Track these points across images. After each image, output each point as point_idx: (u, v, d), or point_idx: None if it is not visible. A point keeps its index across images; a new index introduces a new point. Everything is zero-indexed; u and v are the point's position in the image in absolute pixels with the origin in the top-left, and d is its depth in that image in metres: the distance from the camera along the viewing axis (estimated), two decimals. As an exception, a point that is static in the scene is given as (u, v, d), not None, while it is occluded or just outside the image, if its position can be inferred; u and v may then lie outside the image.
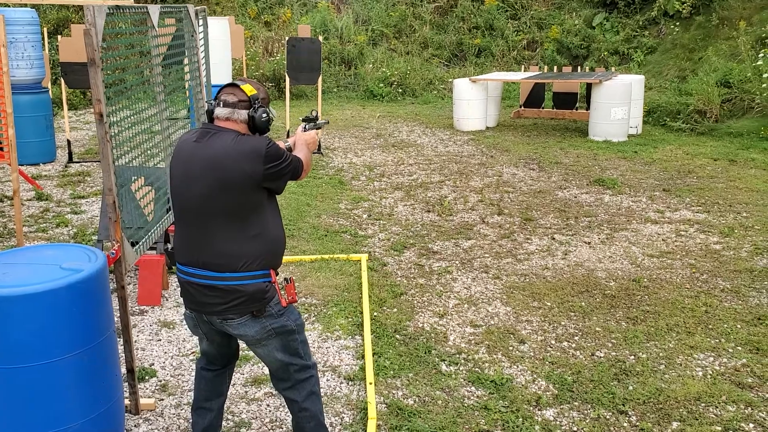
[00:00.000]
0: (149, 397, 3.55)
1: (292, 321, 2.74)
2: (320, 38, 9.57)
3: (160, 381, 3.75)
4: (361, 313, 4.58)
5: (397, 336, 4.29)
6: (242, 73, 12.71)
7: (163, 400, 3.57)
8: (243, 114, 2.65)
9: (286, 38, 9.30)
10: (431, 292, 4.99)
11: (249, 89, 2.67)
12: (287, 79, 9.45)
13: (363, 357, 4.02)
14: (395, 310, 4.68)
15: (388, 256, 5.73)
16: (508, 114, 12.78)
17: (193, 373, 3.78)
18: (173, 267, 5.21)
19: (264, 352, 2.78)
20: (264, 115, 2.67)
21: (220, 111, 2.67)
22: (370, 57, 16.33)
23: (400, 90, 15.38)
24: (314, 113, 3.21)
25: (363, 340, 4.21)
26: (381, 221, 6.66)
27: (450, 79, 15.98)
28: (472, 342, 4.23)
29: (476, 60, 16.66)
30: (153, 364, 3.93)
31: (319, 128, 3.23)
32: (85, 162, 8.93)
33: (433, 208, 7.05)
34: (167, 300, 4.79)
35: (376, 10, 17.56)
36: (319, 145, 3.21)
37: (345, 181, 8.21)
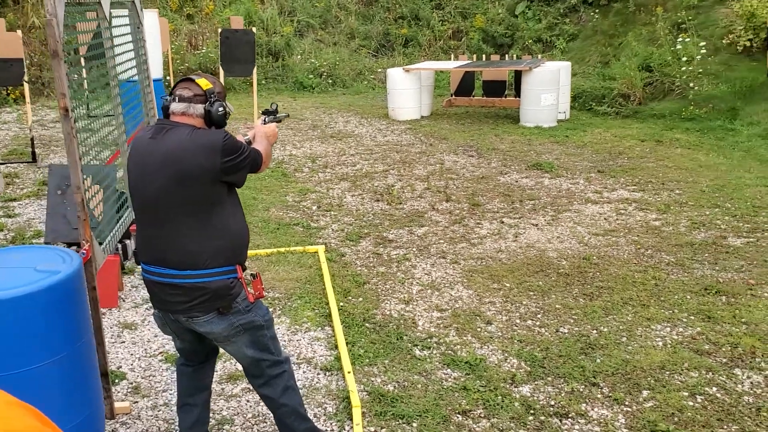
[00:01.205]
0: (122, 401, 3.43)
1: (260, 317, 2.71)
2: (253, 29, 9.42)
3: (131, 383, 3.64)
4: (327, 304, 4.57)
5: (367, 324, 4.31)
6: (168, 68, 12.35)
7: (137, 402, 3.46)
8: (199, 108, 2.60)
9: (220, 30, 9.11)
10: (393, 279, 5.02)
11: (205, 83, 2.62)
12: (221, 71, 9.26)
13: (336, 347, 4.01)
14: (361, 299, 4.68)
15: (345, 246, 5.72)
16: (440, 103, 12.94)
17: (165, 374, 3.70)
18: (125, 267, 5.05)
19: (233, 349, 2.74)
20: (220, 108, 2.62)
21: (175, 106, 2.61)
22: (298, 48, 16.17)
23: (331, 81, 15.31)
24: (274, 106, 3.18)
25: (333, 330, 4.20)
26: (332, 212, 6.64)
27: (379, 69, 16.03)
28: (441, 326, 4.29)
29: (404, 50, 16.75)
30: (121, 367, 3.80)
31: (279, 121, 3.19)
32: (11, 164, 8.48)
33: (381, 197, 7.07)
34: (124, 301, 4.63)
35: (300, 1, 17.39)
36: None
37: (288, 173, 8.13)
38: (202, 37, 14.94)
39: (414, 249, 5.61)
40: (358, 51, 16.81)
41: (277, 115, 3.16)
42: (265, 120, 3.08)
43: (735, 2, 11.88)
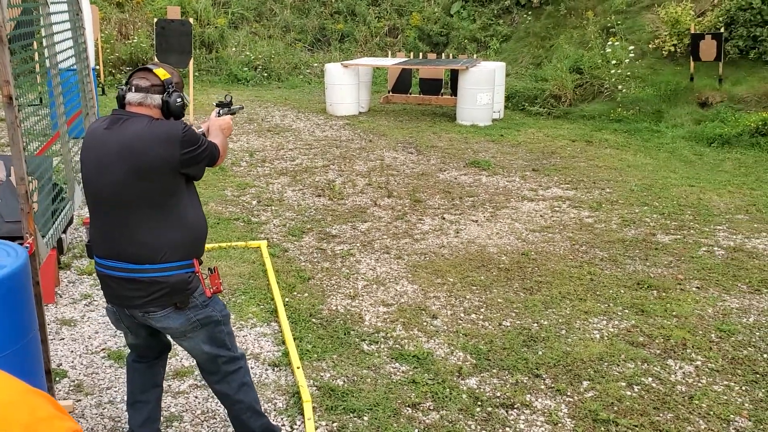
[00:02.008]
0: (65, 399, 3.33)
1: (217, 312, 2.69)
2: (190, 20, 9.22)
3: (73, 381, 3.53)
4: (272, 299, 4.54)
5: (314, 320, 4.31)
6: (97, 57, 11.93)
7: (80, 401, 3.36)
8: (156, 99, 2.55)
9: (155, 20, 8.87)
10: (338, 275, 5.03)
11: (162, 73, 2.57)
12: (152, 63, 9.02)
13: (283, 343, 4.00)
14: (306, 294, 4.68)
15: (287, 241, 5.70)
16: (377, 99, 12.99)
17: (108, 371, 3.61)
18: (60, 262, 4.88)
19: (190, 344, 2.71)
20: (178, 99, 2.58)
21: (132, 96, 2.55)
22: (232, 40, 15.92)
23: (266, 74, 15.15)
24: (228, 97, 3.14)
25: (280, 326, 4.19)
26: (272, 207, 6.59)
27: (315, 64, 15.96)
28: (388, 320, 4.34)
29: (340, 45, 16.73)
30: (61, 365, 3.68)
31: (233, 113, 3.15)
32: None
33: (323, 192, 7.07)
34: (61, 297, 4.47)
35: (235, -7, 17.11)
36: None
37: (226, 167, 8.01)
38: (133, 26, 14.50)
39: (358, 244, 5.63)
40: (293, 45, 16.68)
41: (232, 107, 3.12)
42: (219, 112, 3.03)
43: (661, 9, 12.40)
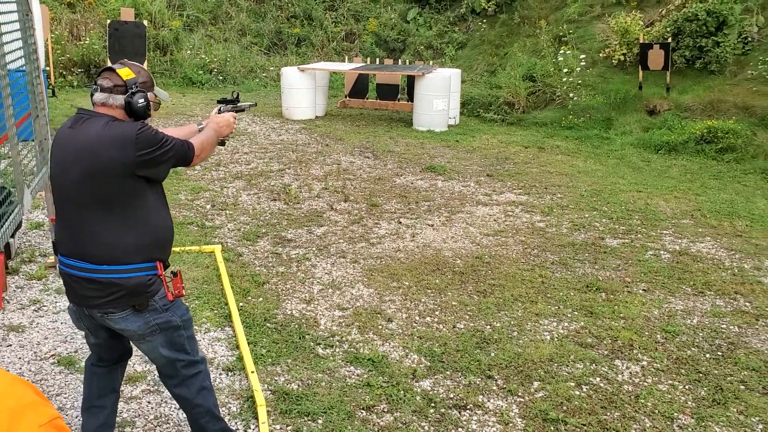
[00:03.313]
0: (12, 408, 3.25)
1: (177, 317, 2.68)
2: (145, 23, 9.09)
3: (21, 389, 3.45)
4: (226, 304, 4.52)
5: (268, 324, 4.30)
6: (48, 58, 11.67)
7: (28, 409, 3.29)
8: (119, 99, 2.54)
9: (108, 21, 8.72)
10: (293, 279, 5.03)
11: (126, 73, 2.56)
12: (109, 64, 8.88)
13: (238, 347, 3.98)
14: (261, 299, 4.67)
15: (242, 246, 5.67)
16: (334, 104, 13.00)
17: (58, 377, 3.55)
18: (8, 267, 4.77)
19: (148, 348, 2.69)
20: (141, 100, 2.56)
21: (96, 96, 2.56)
22: (187, 43, 15.74)
23: (221, 77, 15.02)
24: (235, 94, 3.10)
25: (234, 330, 4.17)
26: (227, 211, 6.55)
27: (271, 68, 15.89)
28: (343, 324, 4.36)
29: (297, 49, 16.69)
30: (9, 371, 3.59)
31: (240, 110, 3.11)
32: None
33: (278, 196, 7.05)
34: (8, 303, 4.37)
35: (190, -5, 16.92)
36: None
37: (179, 170, 7.91)
38: (85, 27, 14.21)
39: (314, 248, 5.64)
40: (249, 48, 16.58)
41: (238, 104, 3.08)
42: (220, 109, 3.00)
43: (611, 19, 12.72)
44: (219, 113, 3.00)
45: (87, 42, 13.60)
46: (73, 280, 2.54)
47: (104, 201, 2.45)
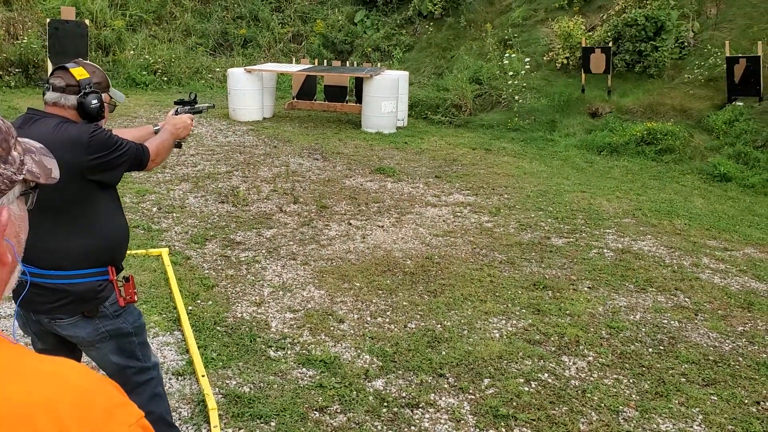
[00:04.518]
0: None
1: (128, 323, 2.61)
2: (87, 22, 8.87)
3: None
4: (175, 308, 4.45)
5: (218, 328, 4.25)
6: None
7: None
8: (71, 99, 2.46)
9: (48, 20, 8.48)
10: (243, 282, 4.98)
11: (79, 73, 2.48)
12: (49, 64, 8.63)
13: (187, 351, 3.93)
14: (210, 302, 4.61)
15: (190, 249, 5.59)
16: (282, 105, 12.92)
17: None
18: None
19: (98, 355, 2.63)
20: (95, 101, 2.49)
21: (48, 96, 2.48)
22: (130, 43, 15.40)
23: (166, 78, 14.75)
24: (192, 95, 3.03)
25: (183, 334, 4.11)
26: (174, 214, 6.44)
27: (217, 69, 15.68)
28: (294, 326, 4.34)
29: (243, 50, 16.52)
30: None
31: (197, 112, 3.04)
32: None
33: (226, 198, 6.97)
34: (-56, 311, 4.21)
35: (133, -6, 16.57)
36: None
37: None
38: (23, 26, 13.76)
39: (263, 251, 5.60)
40: (194, 49, 16.32)
41: (195, 106, 3.01)
42: (177, 111, 2.93)
43: (554, 23, 13.00)
44: (176, 114, 2.94)
45: (25, 41, 13.17)
46: (21, 284, 2.47)
47: (52, 206, 2.38)
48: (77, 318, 2.47)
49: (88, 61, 2.64)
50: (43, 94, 2.50)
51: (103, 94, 2.54)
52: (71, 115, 2.47)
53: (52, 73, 2.51)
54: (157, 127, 2.88)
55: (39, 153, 1.12)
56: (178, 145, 2.96)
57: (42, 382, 0.86)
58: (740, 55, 10.56)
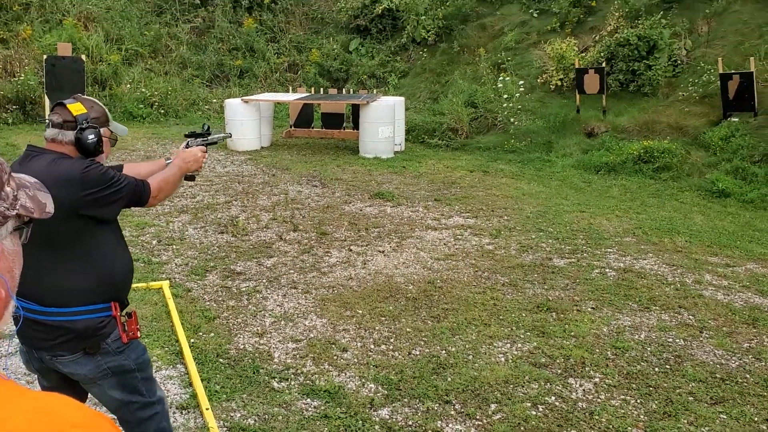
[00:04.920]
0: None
1: (131, 360, 2.57)
2: (83, 57, 8.94)
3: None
4: (177, 341, 4.41)
5: (221, 360, 4.22)
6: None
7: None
8: (69, 135, 2.47)
9: (45, 56, 8.54)
10: (245, 312, 4.95)
11: (76, 108, 2.49)
12: (46, 100, 8.68)
13: (191, 385, 3.89)
14: (212, 334, 4.58)
15: (191, 281, 5.56)
16: (279, 134, 12.98)
17: None
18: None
19: (99, 391, 2.60)
20: (91, 136, 2.49)
21: (47, 132, 2.49)
22: (126, 77, 15.50)
23: (162, 111, 14.83)
24: (206, 127, 3.02)
25: (186, 368, 4.07)
26: (174, 246, 6.42)
27: (214, 100, 15.78)
28: (297, 356, 4.30)
29: (239, 81, 16.64)
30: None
31: (211, 144, 3.02)
32: None
33: (226, 228, 6.96)
34: (-56, 351, 4.17)
35: (128, 29, 16.72)
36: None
37: (123, 207, 7.74)
38: (19, 63, 13.86)
39: (264, 280, 5.58)
40: (191, 81, 16.44)
41: (209, 138, 2.99)
42: (188, 144, 2.92)
43: (547, 45, 13.11)
44: (187, 147, 2.93)
45: (22, 78, 13.26)
46: (23, 321, 2.45)
47: (48, 242, 2.37)
48: (78, 355, 2.45)
49: (87, 97, 2.65)
50: (45, 131, 2.52)
51: (102, 129, 2.54)
52: (69, 151, 2.48)
53: (51, 110, 2.52)
54: (169, 161, 2.87)
55: (33, 188, 1.12)
56: (191, 178, 2.94)
57: (37, 418, 0.85)
58: (733, 71, 10.64)
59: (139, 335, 2.61)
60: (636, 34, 11.98)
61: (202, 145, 2.98)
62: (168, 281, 5.45)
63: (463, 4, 15.84)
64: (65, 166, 2.40)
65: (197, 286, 5.44)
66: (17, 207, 1.01)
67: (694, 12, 12.84)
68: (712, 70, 11.19)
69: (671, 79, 11.87)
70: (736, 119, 10.40)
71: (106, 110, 2.63)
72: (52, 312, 2.39)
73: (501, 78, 12.48)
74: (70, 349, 2.43)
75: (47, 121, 2.50)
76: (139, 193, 2.58)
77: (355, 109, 12.10)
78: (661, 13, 12.62)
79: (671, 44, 12.13)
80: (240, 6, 17.85)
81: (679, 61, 12.04)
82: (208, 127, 3.07)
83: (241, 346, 4.41)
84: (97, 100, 2.64)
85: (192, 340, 4.43)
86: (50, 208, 1.13)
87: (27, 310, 2.41)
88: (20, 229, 1.06)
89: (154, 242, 6.53)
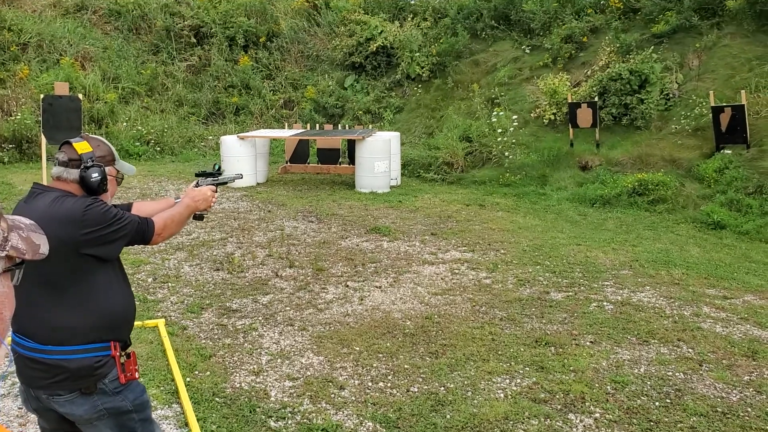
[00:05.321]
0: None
1: (128, 401, 2.54)
2: (80, 96, 9.01)
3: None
4: (173, 380, 4.36)
5: (217, 399, 4.16)
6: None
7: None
8: (74, 173, 2.48)
9: (42, 96, 8.61)
10: (241, 350, 4.91)
11: (82, 147, 2.50)
12: (43, 139, 8.72)
13: (187, 425, 3.83)
14: (208, 373, 4.52)
15: (186, 319, 5.52)
16: (275, 170, 13.02)
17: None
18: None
19: None
20: (95, 174, 2.50)
21: (53, 170, 2.53)
22: (123, 115, 15.62)
23: (159, 148, 14.90)
24: (216, 166, 3.03)
25: (182, 407, 4.02)
26: (169, 284, 6.39)
27: (210, 137, 15.87)
28: (294, 395, 4.25)
29: (235, 118, 16.76)
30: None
31: (222, 184, 3.02)
32: None
33: (222, 266, 6.93)
34: (-65, 393, 4.11)
35: (125, 68, 16.89)
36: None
37: (119, 244, 7.72)
38: (16, 102, 13.95)
39: (260, 318, 5.54)
40: (187, 118, 16.56)
41: (219, 178, 3.00)
42: (197, 183, 2.93)
43: (539, 81, 13.26)
44: (197, 186, 2.93)
45: (19, 117, 13.33)
46: (20, 359, 2.43)
47: (48, 280, 2.36)
48: (75, 395, 2.41)
49: (95, 136, 2.66)
50: (51, 169, 2.55)
51: (107, 168, 2.55)
52: (74, 189, 2.48)
53: (59, 148, 2.54)
54: (178, 199, 2.88)
55: (27, 229, 1.11)
56: (200, 218, 2.95)
57: None
58: (725, 104, 10.76)
59: (137, 376, 2.58)
60: (628, 68, 12.14)
61: (213, 184, 2.99)
62: (163, 319, 5.41)
63: (456, 41, 16.06)
64: (68, 205, 2.40)
65: (193, 324, 5.40)
66: (7, 248, 1.00)
67: (684, 46, 13.04)
68: (704, 103, 11.32)
69: (664, 113, 12.00)
70: (729, 151, 10.48)
71: (113, 149, 2.64)
72: (50, 350, 2.37)
73: (495, 113, 12.59)
74: (67, 389, 2.40)
75: (55, 159, 2.53)
76: (142, 231, 2.58)
77: (351, 145, 12.18)
78: (652, 47, 12.81)
79: (663, 78, 12.29)
80: (236, 44, 18.06)
81: (671, 95, 12.18)
82: (219, 167, 3.08)
83: (238, 385, 4.36)
84: (104, 140, 2.65)
85: (188, 379, 4.38)
86: (44, 249, 1.12)
87: (25, 347, 2.40)
88: (11, 270, 1.04)
89: (150, 280, 6.49)
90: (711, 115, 10.78)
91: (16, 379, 3.66)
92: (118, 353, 2.48)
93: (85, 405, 2.43)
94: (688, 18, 13.15)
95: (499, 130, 12.15)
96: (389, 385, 4.41)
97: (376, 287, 6.35)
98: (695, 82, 12.19)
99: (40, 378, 2.39)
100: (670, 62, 12.56)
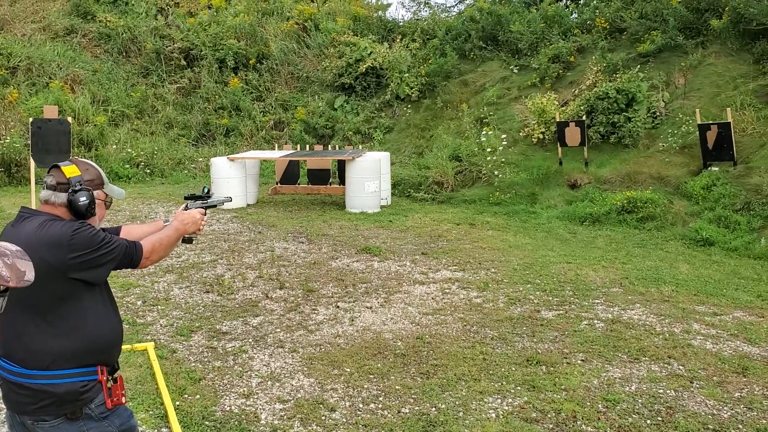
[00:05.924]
0: None
1: (115, 426, 2.51)
2: (69, 119, 9.00)
3: None
4: (162, 404, 4.32)
5: (207, 422, 4.12)
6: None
7: None
8: (62, 197, 2.48)
9: (31, 119, 8.60)
10: (231, 373, 4.87)
11: (71, 171, 2.50)
12: (32, 162, 8.69)
13: (175, 449, 3.79)
14: (198, 396, 4.49)
15: (176, 342, 5.48)
16: (265, 191, 13.02)
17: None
18: None
19: None
20: (82, 198, 2.49)
21: (41, 194, 2.52)
22: (112, 138, 15.61)
23: (148, 170, 14.88)
24: (206, 190, 3.02)
25: (171, 431, 3.97)
26: (159, 306, 6.35)
27: (200, 159, 15.87)
28: (285, 417, 4.22)
29: (225, 139, 16.78)
30: None
31: (211, 207, 3.02)
32: None
33: (211, 288, 6.90)
34: None
35: (114, 91, 16.92)
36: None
37: (108, 267, 7.67)
38: (5, 125, 13.93)
39: (250, 340, 5.50)
40: (177, 140, 16.57)
41: (209, 201, 2.99)
42: (186, 206, 2.92)
43: (528, 100, 13.37)
44: (186, 209, 2.93)
45: (7, 141, 13.30)
46: (4, 383, 2.41)
47: (35, 305, 2.34)
48: (60, 420, 2.39)
49: (84, 159, 2.66)
50: (40, 193, 2.55)
51: (96, 191, 2.54)
52: (62, 213, 2.47)
53: (48, 172, 2.54)
54: (167, 222, 2.87)
55: (13, 256, 1.11)
56: (189, 241, 2.93)
57: None
58: (711, 122, 10.87)
59: (124, 401, 2.55)
60: (615, 87, 12.26)
61: (202, 207, 2.98)
62: (153, 343, 5.37)
63: (445, 61, 16.19)
64: (55, 229, 2.39)
65: (182, 347, 5.36)
66: None
67: (670, 65, 13.20)
68: (691, 121, 11.43)
69: (651, 131, 12.11)
70: (716, 168, 10.57)
71: (102, 173, 2.63)
72: (36, 375, 2.35)
73: (484, 132, 12.67)
74: (52, 414, 2.38)
75: (43, 182, 2.53)
76: (130, 255, 2.56)
77: (341, 165, 12.20)
78: (638, 66, 12.96)
79: (649, 97, 12.42)
80: (226, 66, 18.14)
81: (657, 113, 12.30)
82: (208, 190, 3.07)
83: (228, 408, 4.33)
84: (93, 163, 2.65)
85: (177, 403, 4.34)
86: (30, 276, 1.11)
87: (11, 372, 2.38)
88: None
89: (139, 303, 6.45)
90: (698, 132, 10.88)
91: (2, 405, 3.62)
92: (105, 377, 2.46)
93: (70, 430, 2.41)
94: (673, 37, 13.32)
95: (489, 150, 12.21)
96: (380, 406, 4.38)
97: (367, 308, 6.33)
98: (681, 100, 12.32)
99: (26, 403, 2.37)
100: (656, 81, 12.70)
